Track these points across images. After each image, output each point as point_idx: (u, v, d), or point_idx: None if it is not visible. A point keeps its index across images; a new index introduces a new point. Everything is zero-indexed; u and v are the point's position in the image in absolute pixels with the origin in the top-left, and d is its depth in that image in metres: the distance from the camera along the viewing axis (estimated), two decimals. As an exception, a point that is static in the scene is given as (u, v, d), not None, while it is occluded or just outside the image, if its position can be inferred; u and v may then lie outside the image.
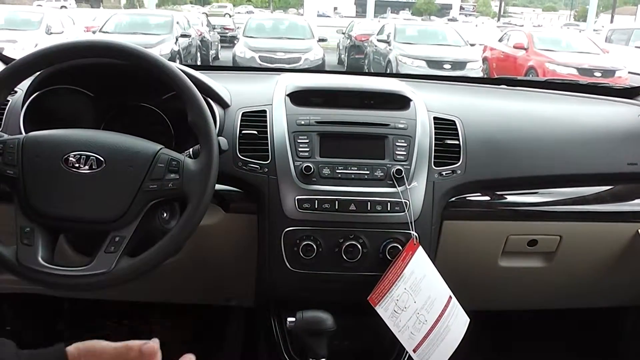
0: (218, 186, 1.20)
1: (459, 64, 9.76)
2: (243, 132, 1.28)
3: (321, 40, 11.12)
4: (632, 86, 1.73)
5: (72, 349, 0.79)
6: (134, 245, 1.04)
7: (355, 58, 13.10)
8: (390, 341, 1.38)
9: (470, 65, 9.84)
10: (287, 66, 8.76)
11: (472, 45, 11.08)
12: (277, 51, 9.94)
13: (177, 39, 10.36)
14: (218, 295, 1.54)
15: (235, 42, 12.01)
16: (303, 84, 1.39)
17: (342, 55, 14.42)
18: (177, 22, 10.99)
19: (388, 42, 10.60)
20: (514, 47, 10.97)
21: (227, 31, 17.53)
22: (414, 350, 1.20)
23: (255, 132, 1.27)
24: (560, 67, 9.63)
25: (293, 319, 1.17)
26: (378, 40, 11.17)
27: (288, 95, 1.34)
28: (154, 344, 0.82)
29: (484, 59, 11.52)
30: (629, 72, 9.54)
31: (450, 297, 1.24)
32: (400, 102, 1.36)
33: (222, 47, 14.79)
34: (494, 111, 1.48)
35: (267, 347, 1.38)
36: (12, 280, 1.35)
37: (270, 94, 1.37)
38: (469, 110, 1.42)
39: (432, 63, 9.64)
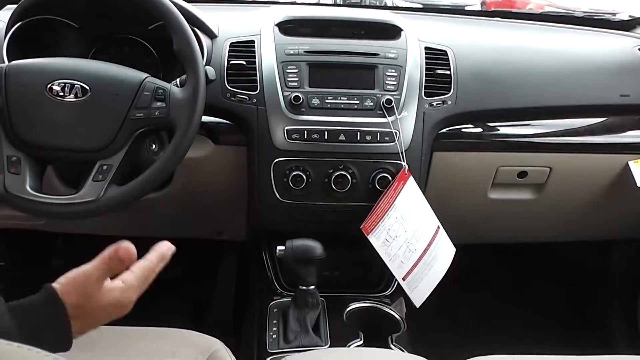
0: (207, 118, 1.19)
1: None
2: (231, 62, 1.25)
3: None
4: (628, 18, 1.69)
5: (58, 285, 0.73)
6: (123, 177, 1.04)
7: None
8: (379, 271, 1.40)
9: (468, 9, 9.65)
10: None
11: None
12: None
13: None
14: (210, 229, 1.54)
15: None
16: (292, 13, 1.36)
17: (337, -1, 14.12)
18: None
19: (384, -15, 10.36)
20: (513, -11, 10.74)
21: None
22: (404, 279, 1.22)
23: (244, 63, 1.25)
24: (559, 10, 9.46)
25: (282, 248, 1.18)
26: (374, -17, 10.91)
27: (277, 25, 1.31)
28: (126, 245, 0.73)
29: (482, 3, 11.28)
30: (630, 16, 9.38)
31: (438, 227, 1.25)
32: (391, 31, 1.34)
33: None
34: (486, 42, 1.46)
35: (258, 278, 1.40)
36: (5, 215, 1.35)
37: (259, 24, 1.34)
38: (461, 41, 1.39)
39: (429, 6, 9.44)
